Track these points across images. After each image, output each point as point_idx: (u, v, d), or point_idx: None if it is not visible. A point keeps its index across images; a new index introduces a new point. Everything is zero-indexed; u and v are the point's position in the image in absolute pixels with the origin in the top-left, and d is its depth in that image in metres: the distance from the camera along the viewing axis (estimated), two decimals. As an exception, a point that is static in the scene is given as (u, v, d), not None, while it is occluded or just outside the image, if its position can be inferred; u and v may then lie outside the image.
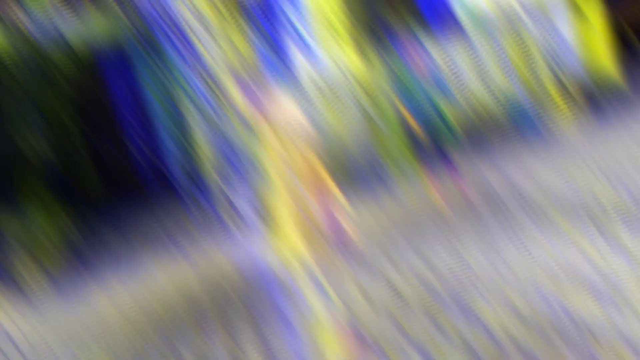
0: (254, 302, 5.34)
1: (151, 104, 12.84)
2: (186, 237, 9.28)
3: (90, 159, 13.27)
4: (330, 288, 3.77)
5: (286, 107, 3.70)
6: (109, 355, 5.11)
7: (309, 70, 9.66)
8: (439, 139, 6.87)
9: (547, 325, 3.50)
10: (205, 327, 5.11)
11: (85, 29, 9.67)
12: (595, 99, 9.90)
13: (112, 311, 6.38)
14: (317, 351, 3.90)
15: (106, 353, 5.20)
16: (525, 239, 4.98)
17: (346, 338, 3.88)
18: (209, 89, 8.73)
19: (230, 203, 9.05)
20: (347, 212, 3.84)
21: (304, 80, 9.60)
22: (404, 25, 9.94)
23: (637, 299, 3.48)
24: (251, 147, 3.85)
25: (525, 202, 6.03)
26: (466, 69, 10.47)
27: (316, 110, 10.08)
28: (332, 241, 3.66)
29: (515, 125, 9.81)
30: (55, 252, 9.04)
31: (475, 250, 5.08)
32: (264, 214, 3.93)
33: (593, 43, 10.47)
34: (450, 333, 3.76)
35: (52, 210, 9.84)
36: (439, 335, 3.77)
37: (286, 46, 9.62)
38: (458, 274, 4.69)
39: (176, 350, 4.82)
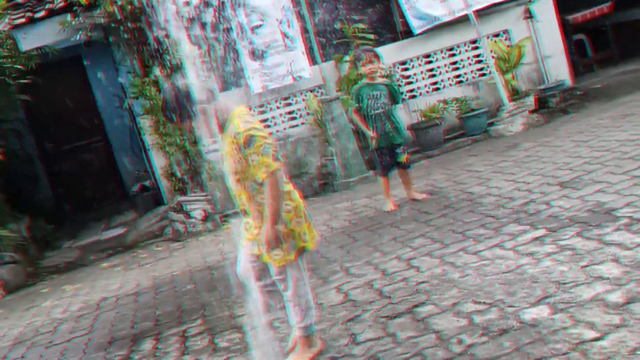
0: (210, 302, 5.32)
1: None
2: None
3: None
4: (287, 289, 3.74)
5: (241, 112, 3.67)
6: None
7: (262, 76, 9.68)
8: (390, 142, 6.89)
9: (498, 329, 3.49)
10: (162, 331, 5.06)
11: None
12: (546, 102, 9.99)
13: (67, 315, 6.33)
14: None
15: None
16: (475, 244, 4.98)
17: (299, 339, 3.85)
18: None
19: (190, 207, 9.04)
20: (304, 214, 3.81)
21: (256, 86, 9.61)
22: (357, 31, 10.02)
23: (587, 303, 3.48)
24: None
25: (475, 205, 6.04)
26: (418, 72, 10.56)
27: (270, 114, 10.12)
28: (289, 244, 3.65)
29: (466, 128, 9.89)
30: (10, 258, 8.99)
31: (427, 256, 5.07)
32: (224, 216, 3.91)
33: (549, 47, 10.59)
34: (402, 339, 3.74)
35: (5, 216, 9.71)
36: (390, 342, 3.75)
37: (238, 51, 9.65)
38: (409, 280, 4.67)
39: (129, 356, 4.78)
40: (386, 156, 6.94)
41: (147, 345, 4.96)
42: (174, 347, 4.73)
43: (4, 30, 10.09)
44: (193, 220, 8.89)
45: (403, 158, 6.96)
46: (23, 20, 9.60)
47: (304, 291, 3.75)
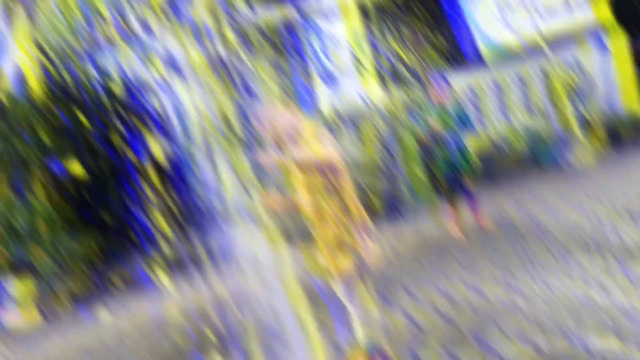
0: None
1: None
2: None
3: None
4: (351, 312, 3.79)
5: (312, 134, 3.80)
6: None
7: (332, 100, 9.80)
8: (458, 169, 6.89)
9: (565, 357, 3.47)
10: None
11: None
12: (617, 133, 9.79)
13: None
14: None
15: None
16: (543, 272, 4.94)
17: None
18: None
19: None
20: (371, 240, 3.87)
21: (326, 109, 9.73)
22: (426, 57, 10.05)
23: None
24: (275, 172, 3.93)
25: (544, 234, 5.98)
26: (487, 101, 10.50)
27: (338, 139, 10.20)
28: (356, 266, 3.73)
29: (535, 157, 9.76)
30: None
31: (493, 283, 5.05)
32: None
33: (619, 77, 10.40)
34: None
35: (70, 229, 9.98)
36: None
37: (310, 75, 9.79)
38: (476, 306, 4.66)
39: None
40: (453, 182, 6.94)
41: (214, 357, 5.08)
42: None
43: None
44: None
45: (468, 185, 6.95)
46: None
47: (354, 306, 3.77)
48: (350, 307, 3.81)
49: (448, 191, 7.02)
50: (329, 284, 3.86)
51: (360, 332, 3.82)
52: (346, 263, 3.73)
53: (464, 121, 6.97)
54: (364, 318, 3.79)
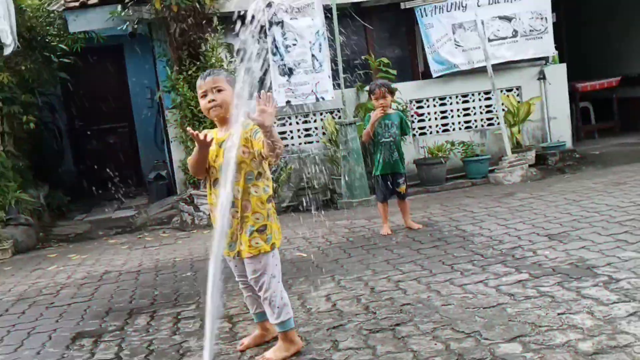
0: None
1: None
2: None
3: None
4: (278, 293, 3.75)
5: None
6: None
7: (288, 90, 9.72)
8: (393, 171, 6.93)
9: (472, 358, 3.48)
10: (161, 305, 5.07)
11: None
12: (545, 159, 10.06)
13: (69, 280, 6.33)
14: None
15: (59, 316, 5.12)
16: (461, 277, 5.00)
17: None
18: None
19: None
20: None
21: (280, 98, 9.64)
22: (380, 65, 10.11)
23: (559, 347, 3.48)
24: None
25: (466, 242, 6.07)
26: (429, 111, 10.62)
27: (288, 127, 10.16)
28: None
29: (466, 169, 9.94)
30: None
31: (414, 281, 5.08)
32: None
33: (554, 107, 10.69)
34: (381, 352, 3.73)
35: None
36: (369, 353, 3.74)
37: (270, 65, 9.67)
38: (395, 300, 4.67)
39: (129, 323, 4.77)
40: (387, 184, 6.97)
41: (142, 320, 4.96)
42: (166, 327, 4.73)
43: (56, 11, 10.20)
44: (201, 213, 8.90)
45: (402, 188, 7.00)
46: (76, 4, 9.71)
47: (276, 288, 3.76)
48: (260, 291, 3.78)
49: (381, 190, 7.03)
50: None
51: (273, 312, 3.77)
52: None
53: (404, 127, 7.00)
54: (274, 297, 3.74)
